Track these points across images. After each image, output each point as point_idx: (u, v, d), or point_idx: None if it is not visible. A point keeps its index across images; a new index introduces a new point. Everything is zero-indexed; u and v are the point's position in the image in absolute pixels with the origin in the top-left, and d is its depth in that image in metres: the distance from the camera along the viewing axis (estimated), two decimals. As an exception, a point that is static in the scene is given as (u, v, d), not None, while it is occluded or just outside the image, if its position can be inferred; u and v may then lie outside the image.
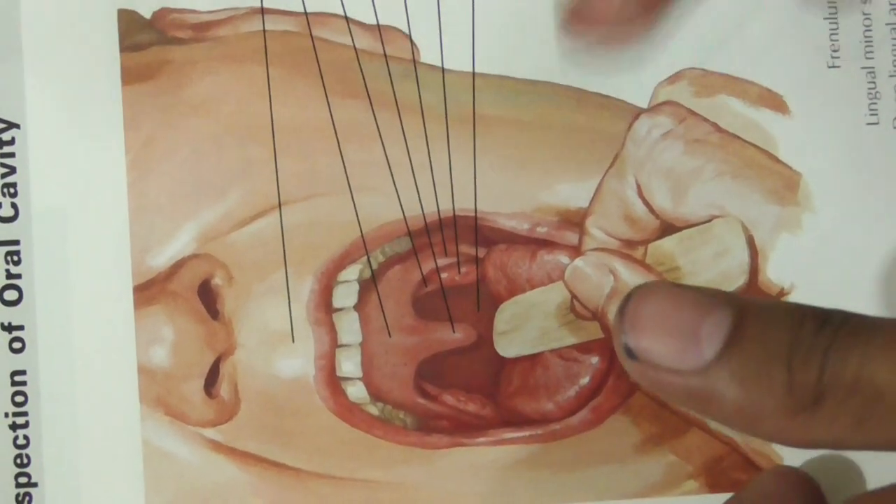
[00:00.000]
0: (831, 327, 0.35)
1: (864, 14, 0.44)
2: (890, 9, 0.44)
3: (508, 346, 0.44)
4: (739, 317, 0.35)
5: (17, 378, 0.43)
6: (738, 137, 0.44)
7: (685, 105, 0.44)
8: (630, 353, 0.36)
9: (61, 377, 0.43)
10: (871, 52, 0.44)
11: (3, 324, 0.43)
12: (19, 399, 0.43)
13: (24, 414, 0.43)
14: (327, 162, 0.43)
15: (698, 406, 0.36)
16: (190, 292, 0.43)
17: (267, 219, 0.43)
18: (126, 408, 0.43)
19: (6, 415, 0.43)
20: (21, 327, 0.43)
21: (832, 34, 0.44)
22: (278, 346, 0.43)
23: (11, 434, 0.43)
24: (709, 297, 0.36)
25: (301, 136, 0.43)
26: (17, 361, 0.43)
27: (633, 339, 0.35)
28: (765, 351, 0.35)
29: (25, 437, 0.43)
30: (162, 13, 0.44)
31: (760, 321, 0.35)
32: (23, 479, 0.43)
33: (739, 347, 0.35)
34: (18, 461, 0.43)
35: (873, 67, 0.44)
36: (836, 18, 0.44)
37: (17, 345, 0.43)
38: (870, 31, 0.44)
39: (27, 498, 0.43)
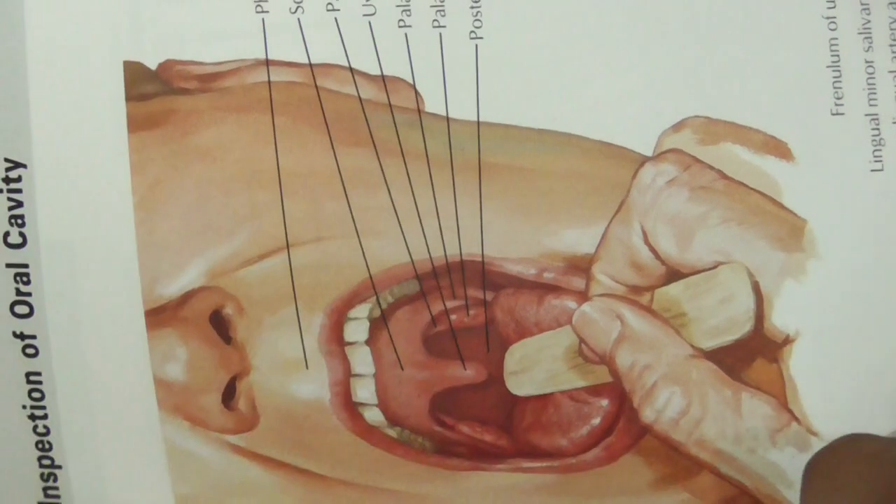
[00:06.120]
0: None
1: (867, 62, 0.44)
2: (892, 56, 0.44)
3: (519, 385, 0.43)
4: None
5: (32, 380, 0.43)
6: (744, 184, 0.44)
7: (690, 153, 0.44)
8: None
9: (77, 386, 0.43)
10: (875, 99, 0.44)
11: (14, 332, 0.43)
12: (41, 428, 0.42)
13: (45, 428, 0.42)
14: (334, 207, 0.43)
15: None
16: (202, 319, 0.43)
17: (275, 258, 0.43)
18: (145, 413, 0.43)
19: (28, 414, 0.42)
20: (33, 336, 0.43)
21: (835, 81, 0.44)
22: (292, 371, 0.43)
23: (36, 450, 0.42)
24: None
25: (307, 181, 0.43)
26: (31, 363, 0.43)
27: None
28: None
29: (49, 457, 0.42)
30: (167, 65, 0.44)
31: None
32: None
33: None
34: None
35: (877, 114, 0.44)
36: (838, 66, 0.44)
37: (30, 350, 0.43)
38: (873, 78, 0.44)
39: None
